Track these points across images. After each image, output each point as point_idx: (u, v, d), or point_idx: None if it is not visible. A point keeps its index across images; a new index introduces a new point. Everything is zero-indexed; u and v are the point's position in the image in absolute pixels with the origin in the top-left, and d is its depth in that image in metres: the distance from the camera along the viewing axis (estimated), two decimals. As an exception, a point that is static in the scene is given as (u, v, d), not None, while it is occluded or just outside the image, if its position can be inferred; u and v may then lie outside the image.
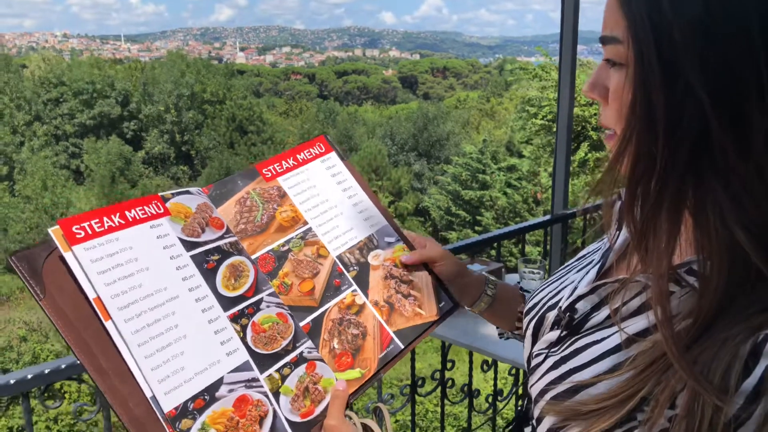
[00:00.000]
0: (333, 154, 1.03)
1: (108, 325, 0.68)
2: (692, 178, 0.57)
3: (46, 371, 1.32)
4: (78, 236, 0.70)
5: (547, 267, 2.23)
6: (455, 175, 24.22)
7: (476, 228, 22.71)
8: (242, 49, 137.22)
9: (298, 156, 1.00)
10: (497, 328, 1.11)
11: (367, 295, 0.93)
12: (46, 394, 1.44)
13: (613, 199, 0.76)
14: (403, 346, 0.91)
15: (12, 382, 1.31)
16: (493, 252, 2.84)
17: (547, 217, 3.13)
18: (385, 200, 27.01)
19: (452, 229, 24.03)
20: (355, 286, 0.93)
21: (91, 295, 0.68)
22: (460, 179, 23.95)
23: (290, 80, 77.40)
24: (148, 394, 0.67)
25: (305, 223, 0.94)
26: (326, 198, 0.98)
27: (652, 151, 0.57)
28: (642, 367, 0.58)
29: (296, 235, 0.92)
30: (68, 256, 0.69)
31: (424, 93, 75.90)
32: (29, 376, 1.32)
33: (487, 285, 1.04)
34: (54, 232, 0.70)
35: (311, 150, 1.02)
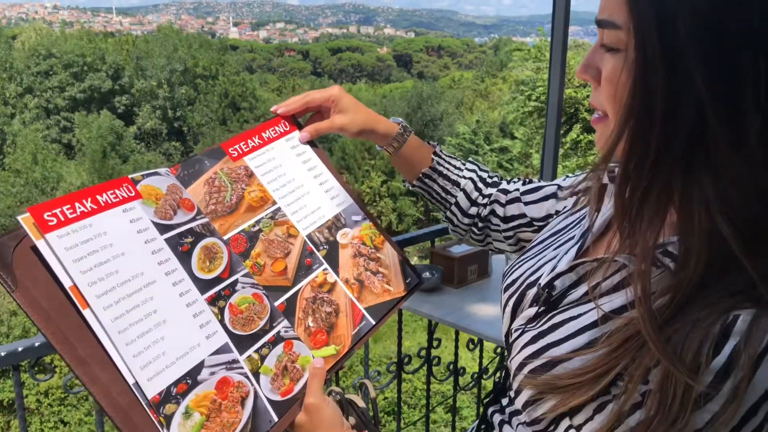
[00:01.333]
0: (296, 133, 1.04)
1: (86, 313, 0.67)
2: (683, 167, 0.58)
3: (36, 344, 1.34)
4: (50, 223, 0.68)
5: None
6: (448, 155, 24.20)
7: (468, 208, 22.74)
8: (235, 24, 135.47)
9: (263, 134, 0.99)
10: (403, 179, 1.18)
11: (337, 274, 0.94)
12: (36, 368, 1.46)
13: (596, 181, 0.78)
14: (374, 322, 0.93)
15: (2, 354, 1.32)
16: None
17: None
18: (378, 179, 27.00)
19: (444, 209, 24.06)
20: (326, 265, 0.94)
21: (67, 284, 0.67)
22: (453, 159, 23.95)
23: (284, 57, 76.66)
24: (131, 381, 0.67)
25: (274, 203, 0.94)
26: (293, 177, 0.99)
27: (648, 138, 0.59)
28: (617, 344, 0.60)
29: (266, 215, 0.92)
30: (41, 245, 0.67)
31: (419, 72, 75.39)
32: (20, 349, 1.33)
33: (394, 138, 1.09)
34: (24, 220, 0.67)
35: (276, 128, 1.02)
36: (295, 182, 0.99)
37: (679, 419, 0.54)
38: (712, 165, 0.57)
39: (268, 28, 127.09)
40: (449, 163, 1.12)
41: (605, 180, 0.77)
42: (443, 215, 1.16)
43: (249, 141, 0.97)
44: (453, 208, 1.12)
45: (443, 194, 1.12)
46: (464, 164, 1.14)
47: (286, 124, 1.03)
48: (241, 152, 0.96)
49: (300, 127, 1.06)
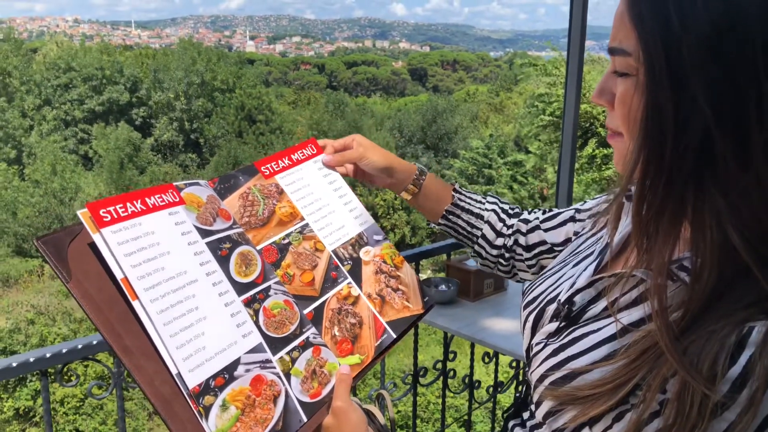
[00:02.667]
0: (323, 156, 1.10)
1: (135, 304, 0.71)
2: (694, 185, 0.61)
3: (64, 350, 1.37)
4: (105, 219, 0.73)
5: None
6: (462, 170, 24.18)
7: (482, 222, 22.65)
8: (252, 38, 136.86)
9: (292, 156, 1.06)
10: (425, 219, 1.20)
11: (361, 288, 0.98)
12: (62, 374, 1.49)
13: (614, 199, 0.80)
14: (395, 336, 0.97)
15: (31, 360, 1.36)
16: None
17: (552, 213, 3.15)
18: (392, 192, 27.00)
19: (458, 222, 23.97)
20: (350, 279, 0.98)
21: (119, 276, 0.71)
22: (467, 173, 23.92)
23: (300, 70, 77.27)
24: (174, 371, 0.70)
25: (302, 218, 0.99)
26: (320, 196, 1.04)
27: (661, 158, 0.61)
28: (635, 356, 0.62)
29: (295, 230, 0.97)
30: (96, 238, 0.72)
31: (434, 85, 75.59)
32: (48, 355, 1.37)
33: (415, 177, 1.12)
34: (83, 214, 0.73)
35: (304, 151, 1.08)
36: (321, 201, 1.04)
37: (697, 427, 0.56)
38: (722, 183, 0.59)
39: (284, 42, 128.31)
40: (470, 198, 1.15)
41: (623, 199, 0.79)
42: (471, 250, 1.18)
43: (280, 161, 1.04)
44: (480, 241, 1.15)
45: (469, 228, 1.15)
46: (485, 197, 1.17)
47: (314, 147, 1.10)
48: (272, 171, 1.02)
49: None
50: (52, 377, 1.48)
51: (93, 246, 0.73)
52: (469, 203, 1.14)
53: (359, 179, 1.12)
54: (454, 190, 1.15)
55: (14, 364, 1.33)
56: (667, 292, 0.64)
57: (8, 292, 19.83)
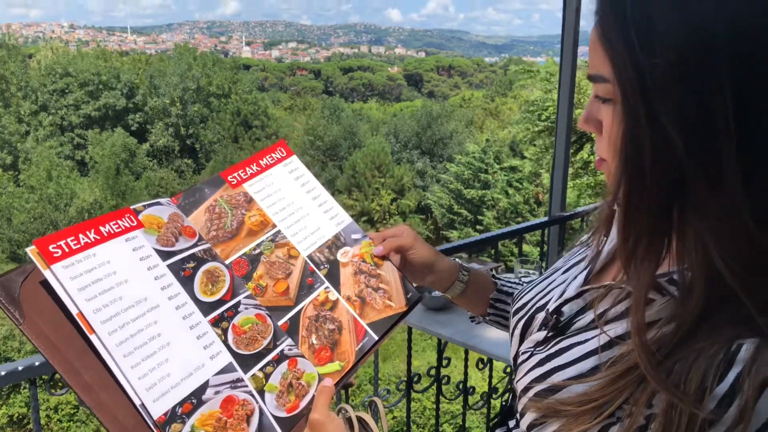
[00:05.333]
0: (294, 158, 1.07)
1: (92, 338, 0.70)
2: (678, 208, 0.61)
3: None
4: (55, 255, 0.71)
5: (544, 267, 2.27)
6: (458, 174, 24.24)
7: (477, 227, 22.74)
8: (248, 44, 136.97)
9: (260, 161, 1.03)
10: (468, 312, 1.15)
11: (339, 291, 0.96)
12: (52, 383, 1.49)
13: (604, 209, 0.80)
14: (377, 338, 0.95)
15: (20, 368, 1.35)
16: (493, 251, 2.88)
17: (545, 218, 3.17)
18: (388, 197, 27.04)
19: (453, 227, 24.05)
20: (327, 284, 0.96)
21: (74, 311, 0.70)
22: (463, 178, 23.98)
23: (296, 75, 77.36)
24: (137, 402, 0.69)
25: (274, 226, 0.97)
26: (292, 200, 1.02)
27: (641, 185, 0.61)
28: (620, 373, 0.62)
29: (266, 238, 0.95)
30: (47, 275, 0.70)
31: (429, 91, 75.79)
32: (36, 364, 1.36)
33: (461, 272, 1.07)
34: (32, 252, 0.71)
35: (273, 155, 1.05)
36: (294, 205, 1.02)
37: None
38: (700, 209, 0.59)
39: (280, 48, 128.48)
40: (509, 280, 1.12)
41: (612, 207, 0.79)
42: None
43: (247, 168, 1.01)
44: None
45: None
46: (519, 279, 1.14)
47: (283, 150, 1.07)
48: (240, 179, 0.99)
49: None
50: (42, 385, 1.47)
51: (46, 283, 0.71)
52: (511, 286, 1.11)
53: (401, 270, 1.05)
54: (494, 277, 1.11)
55: (2, 373, 1.33)
56: (656, 306, 0.64)
57: (3, 299, 19.70)
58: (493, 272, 1.12)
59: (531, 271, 2.09)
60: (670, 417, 0.56)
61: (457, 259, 1.09)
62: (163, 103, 36.56)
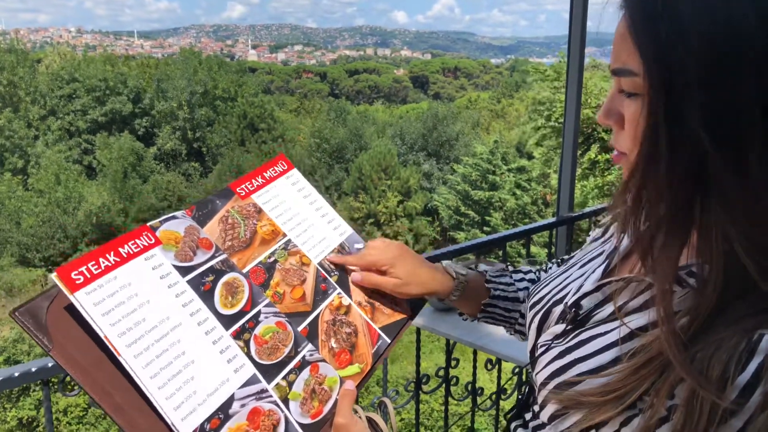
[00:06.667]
0: (295, 171, 1.10)
1: (120, 360, 0.71)
2: (700, 198, 0.61)
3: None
4: (78, 282, 0.72)
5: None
6: (465, 175, 24.23)
7: (485, 228, 22.71)
8: (254, 47, 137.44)
9: (264, 174, 1.05)
10: (459, 312, 1.12)
11: (350, 296, 0.99)
12: (64, 383, 1.50)
13: (622, 203, 0.80)
14: (389, 341, 0.98)
15: (33, 370, 1.36)
16: (501, 252, 2.88)
17: (553, 219, 3.17)
18: (394, 200, 27.04)
19: (461, 229, 24.03)
20: (339, 289, 0.99)
21: (101, 335, 0.71)
22: (470, 179, 23.97)
23: (302, 78, 77.52)
24: (168, 422, 0.70)
25: (284, 235, 0.99)
26: (297, 211, 1.04)
27: (664, 176, 0.61)
28: (641, 363, 0.62)
29: (279, 247, 0.97)
30: (72, 301, 0.71)
31: (435, 93, 75.78)
32: (50, 365, 1.37)
33: (457, 279, 1.04)
34: (57, 279, 0.71)
35: (275, 168, 1.08)
36: (300, 216, 1.04)
37: None
38: (722, 199, 0.60)
39: (286, 51, 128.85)
40: (501, 283, 1.11)
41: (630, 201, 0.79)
42: (510, 331, 1.14)
43: (254, 180, 1.03)
44: (521, 319, 1.11)
45: (507, 314, 1.11)
46: (512, 276, 1.12)
47: (284, 163, 1.10)
48: (248, 191, 1.01)
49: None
50: (55, 387, 1.49)
51: (71, 307, 0.72)
52: (503, 290, 1.10)
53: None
54: (486, 281, 1.10)
55: (16, 374, 1.34)
56: (676, 297, 0.64)
57: (12, 302, 19.87)
58: (488, 275, 1.09)
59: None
60: (692, 407, 0.57)
61: (452, 266, 1.06)
62: (170, 106, 36.69)
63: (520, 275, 1.14)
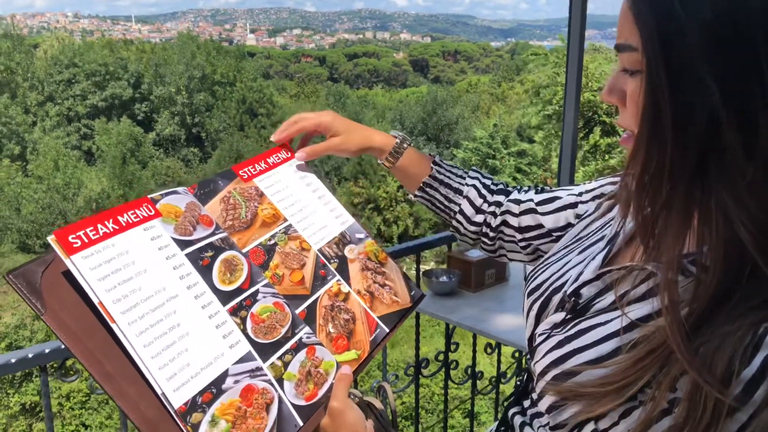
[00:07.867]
0: (298, 160, 1.10)
1: (114, 327, 0.70)
2: (701, 177, 0.60)
3: (63, 346, 1.37)
4: (75, 245, 0.71)
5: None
6: (465, 160, 24.19)
7: (485, 213, 22.69)
8: (252, 31, 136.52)
9: (268, 160, 1.06)
10: (406, 192, 1.17)
11: (349, 285, 0.98)
12: (62, 370, 1.49)
13: (623, 188, 0.79)
14: (387, 330, 0.98)
15: (30, 356, 1.36)
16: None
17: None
18: (394, 184, 27.02)
19: (461, 213, 24.02)
20: (338, 276, 0.98)
21: (96, 301, 0.70)
22: (470, 164, 23.92)
23: (301, 63, 77.20)
24: (159, 392, 0.69)
25: (285, 219, 0.99)
26: (299, 198, 1.04)
27: (663, 154, 0.60)
28: (643, 354, 0.61)
29: (279, 230, 0.97)
30: (68, 264, 0.70)
31: (435, 76, 75.45)
32: (47, 350, 1.37)
33: (395, 148, 1.10)
34: (53, 241, 0.71)
35: (279, 155, 1.08)
36: (301, 202, 1.04)
37: (711, 428, 0.55)
38: (728, 174, 0.58)
39: (284, 35, 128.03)
40: (450, 172, 1.11)
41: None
42: (449, 225, 1.14)
43: (257, 165, 1.03)
44: (458, 216, 1.11)
45: (446, 203, 1.11)
46: (467, 173, 1.12)
47: (287, 151, 1.10)
48: (250, 174, 1.01)
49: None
50: (53, 373, 1.48)
51: (67, 273, 0.71)
52: (448, 177, 1.10)
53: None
54: (434, 162, 1.11)
55: (13, 360, 1.34)
56: (680, 286, 0.63)
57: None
58: (437, 158, 1.12)
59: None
60: (695, 401, 0.56)
61: (400, 136, 1.11)
62: (168, 92, 36.51)
63: (477, 175, 1.12)
